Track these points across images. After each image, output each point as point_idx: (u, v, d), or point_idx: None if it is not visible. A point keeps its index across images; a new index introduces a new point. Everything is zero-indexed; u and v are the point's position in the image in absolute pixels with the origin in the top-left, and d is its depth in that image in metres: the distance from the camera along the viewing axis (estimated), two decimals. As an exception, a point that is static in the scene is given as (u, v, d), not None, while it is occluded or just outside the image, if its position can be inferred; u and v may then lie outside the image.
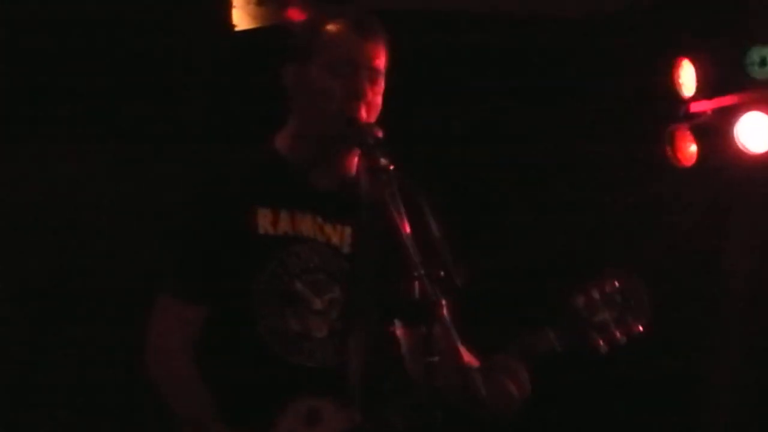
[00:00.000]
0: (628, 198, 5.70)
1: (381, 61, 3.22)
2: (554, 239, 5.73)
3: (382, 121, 3.22)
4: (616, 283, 3.22)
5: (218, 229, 3.19)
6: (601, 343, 3.18)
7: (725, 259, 5.55)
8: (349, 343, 3.18)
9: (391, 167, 3.05)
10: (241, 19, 5.39)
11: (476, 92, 5.79)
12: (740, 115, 5.37)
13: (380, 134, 3.12)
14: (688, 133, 5.51)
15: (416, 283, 2.91)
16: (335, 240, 3.23)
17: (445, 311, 2.89)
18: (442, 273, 2.92)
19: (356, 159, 3.27)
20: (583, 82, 5.81)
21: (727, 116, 5.41)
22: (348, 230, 3.24)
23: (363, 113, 3.17)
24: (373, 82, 3.20)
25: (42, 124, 5.54)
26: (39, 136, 5.55)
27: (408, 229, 2.99)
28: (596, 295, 3.19)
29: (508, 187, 5.75)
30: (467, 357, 3.09)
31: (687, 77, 5.48)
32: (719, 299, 5.56)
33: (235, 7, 5.37)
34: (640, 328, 3.21)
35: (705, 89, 5.44)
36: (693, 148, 5.51)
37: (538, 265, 5.52)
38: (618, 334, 3.19)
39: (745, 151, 5.37)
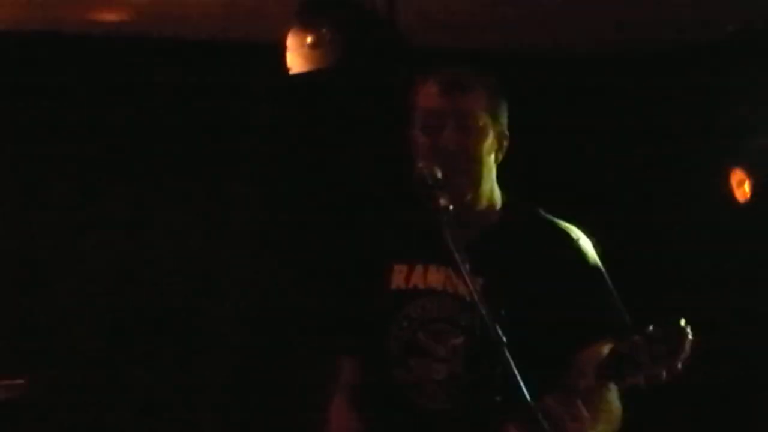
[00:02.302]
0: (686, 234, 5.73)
1: (469, 103, 3.26)
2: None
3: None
4: (663, 325, 3.05)
5: (360, 289, 3.39)
6: (639, 378, 3.03)
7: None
8: (469, 385, 3.24)
9: (451, 207, 3.12)
10: (295, 62, 5.47)
11: (549, 127, 5.87)
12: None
13: (440, 174, 3.18)
14: (743, 170, 5.50)
15: (478, 323, 3.02)
16: (462, 290, 3.23)
17: (506, 351, 2.95)
18: (503, 313, 3.00)
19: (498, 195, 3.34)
20: (644, 118, 5.85)
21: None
22: (479, 281, 3.19)
23: (442, 159, 3.21)
24: (463, 124, 3.24)
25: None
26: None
27: (468, 268, 3.04)
28: (636, 334, 3.05)
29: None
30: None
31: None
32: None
33: (289, 50, 5.45)
34: (679, 366, 3.03)
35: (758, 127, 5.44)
36: (747, 185, 5.50)
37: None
38: (656, 371, 3.02)
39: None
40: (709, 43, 5.69)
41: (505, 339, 2.95)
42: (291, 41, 5.40)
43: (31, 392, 4.94)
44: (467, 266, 3.12)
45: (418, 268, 3.34)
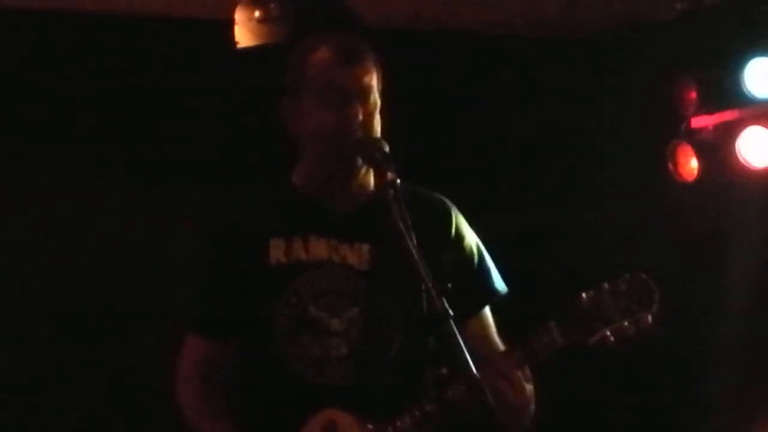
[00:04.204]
0: (629, 212, 5.71)
1: (369, 79, 3.23)
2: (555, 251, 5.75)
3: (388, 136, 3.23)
4: (625, 278, 3.15)
5: (231, 266, 3.23)
6: (608, 334, 3.10)
7: (725, 273, 5.49)
8: (369, 359, 3.19)
9: (398, 180, 3.06)
10: (243, 36, 5.43)
11: (482, 105, 5.83)
12: (741, 131, 5.38)
13: (386, 148, 3.15)
14: (689, 148, 5.51)
15: (423, 296, 2.92)
16: (352, 259, 3.22)
17: (452, 323, 2.89)
18: (449, 285, 2.95)
19: (371, 176, 3.27)
20: (585, 98, 5.85)
21: (728, 131, 5.42)
22: (366, 248, 3.24)
23: (360, 135, 3.17)
24: (365, 100, 3.21)
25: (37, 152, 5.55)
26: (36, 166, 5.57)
27: (415, 242, 2.98)
28: (603, 289, 3.14)
29: (511, 197, 5.76)
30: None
31: (688, 93, 5.48)
32: (720, 313, 5.49)
33: (237, 24, 5.42)
34: (649, 319, 3.12)
35: (706, 105, 5.46)
36: (694, 163, 5.50)
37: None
38: (626, 324, 3.10)
39: (746, 166, 5.36)
40: (659, 21, 5.70)
41: (451, 312, 2.91)
42: (239, 15, 5.36)
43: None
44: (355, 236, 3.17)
45: (297, 241, 3.23)
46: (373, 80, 3.23)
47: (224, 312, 3.23)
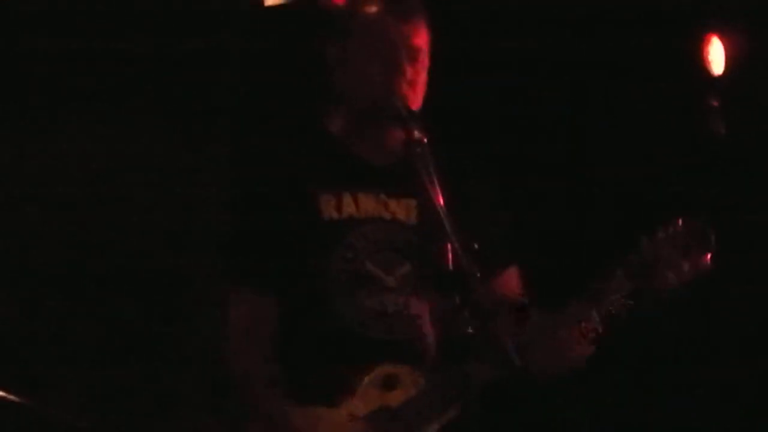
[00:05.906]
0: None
1: (420, 39, 3.28)
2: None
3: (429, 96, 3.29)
4: (680, 222, 3.26)
5: (283, 219, 3.26)
6: (670, 276, 3.20)
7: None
8: (423, 314, 3.26)
9: (425, 139, 3.10)
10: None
11: (509, 65, 5.75)
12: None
13: (413, 106, 3.19)
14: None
15: (450, 254, 2.98)
16: (401, 215, 3.29)
17: (478, 282, 2.95)
18: (476, 245, 3.02)
19: (402, 133, 3.27)
20: (615, 57, 5.78)
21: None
22: (413, 203, 3.30)
23: (405, 91, 3.22)
24: (413, 60, 3.25)
25: (73, 100, 5.50)
26: (72, 112, 5.52)
27: (442, 201, 3.03)
28: (661, 234, 3.23)
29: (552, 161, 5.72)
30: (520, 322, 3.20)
31: (716, 54, 5.46)
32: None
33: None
34: (708, 259, 3.24)
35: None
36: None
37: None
38: (685, 266, 3.21)
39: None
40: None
41: (478, 273, 2.94)
42: (266, -28, 5.35)
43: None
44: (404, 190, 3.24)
45: (347, 196, 3.29)
46: (423, 41, 3.29)
47: (280, 265, 3.25)
